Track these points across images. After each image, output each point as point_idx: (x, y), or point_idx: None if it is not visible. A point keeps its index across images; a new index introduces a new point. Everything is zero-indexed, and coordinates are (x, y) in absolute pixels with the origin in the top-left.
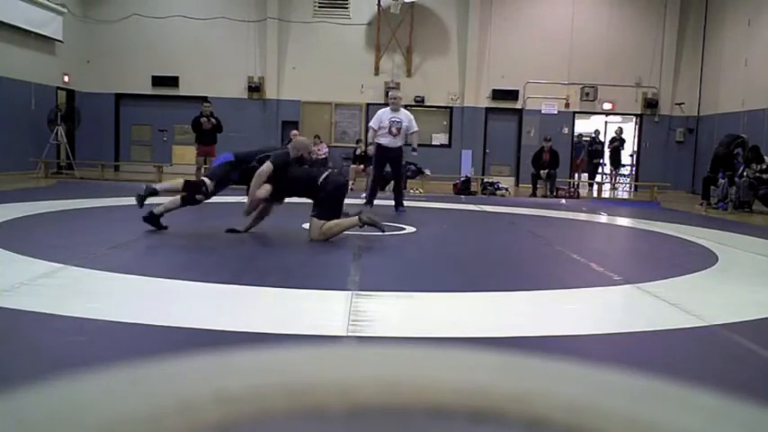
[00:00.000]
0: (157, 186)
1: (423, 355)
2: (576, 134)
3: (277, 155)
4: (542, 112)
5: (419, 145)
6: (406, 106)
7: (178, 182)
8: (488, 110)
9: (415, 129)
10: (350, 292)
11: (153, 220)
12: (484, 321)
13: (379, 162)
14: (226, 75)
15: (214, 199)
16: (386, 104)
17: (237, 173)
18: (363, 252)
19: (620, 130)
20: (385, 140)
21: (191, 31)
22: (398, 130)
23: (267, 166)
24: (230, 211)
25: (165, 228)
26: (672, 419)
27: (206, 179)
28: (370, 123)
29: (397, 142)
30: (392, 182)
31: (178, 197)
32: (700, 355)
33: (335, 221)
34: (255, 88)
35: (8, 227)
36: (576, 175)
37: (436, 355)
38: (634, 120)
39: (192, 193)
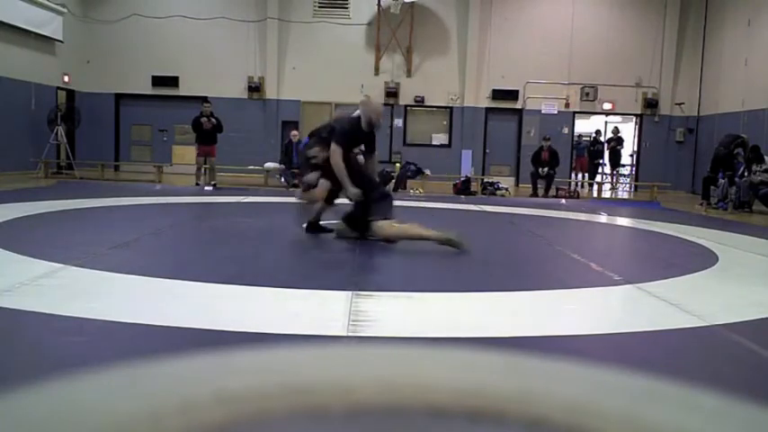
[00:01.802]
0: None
1: (423, 355)
2: (576, 135)
3: (340, 130)
4: (542, 112)
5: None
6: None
7: (318, 199)
8: (488, 110)
9: None
10: (350, 292)
11: (315, 227)
12: (484, 321)
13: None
14: (226, 75)
15: (214, 199)
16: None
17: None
18: (363, 252)
19: (617, 130)
20: None
21: (191, 31)
22: None
23: (336, 152)
24: (230, 210)
25: (331, 231)
26: (672, 419)
27: (322, 181)
28: None
29: None
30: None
31: (320, 203)
32: (700, 355)
33: (414, 226)
34: (255, 88)
35: (8, 227)
36: (579, 174)
37: (436, 355)
38: (634, 120)
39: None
